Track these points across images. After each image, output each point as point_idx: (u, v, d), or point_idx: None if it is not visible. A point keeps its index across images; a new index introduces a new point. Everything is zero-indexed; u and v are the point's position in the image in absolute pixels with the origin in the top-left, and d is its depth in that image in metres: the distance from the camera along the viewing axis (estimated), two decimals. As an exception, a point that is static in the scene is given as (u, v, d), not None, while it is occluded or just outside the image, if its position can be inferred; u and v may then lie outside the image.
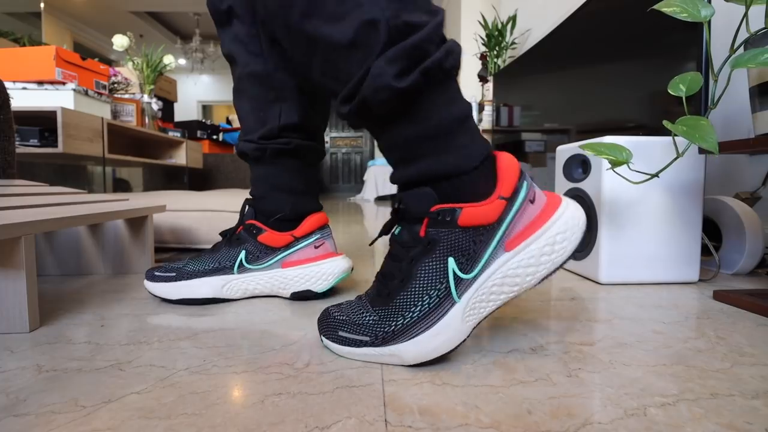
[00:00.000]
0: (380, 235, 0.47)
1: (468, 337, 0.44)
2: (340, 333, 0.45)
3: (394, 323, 0.43)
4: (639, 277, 0.80)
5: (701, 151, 0.74)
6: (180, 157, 2.31)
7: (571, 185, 0.90)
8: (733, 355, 0.47)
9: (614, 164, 0.69)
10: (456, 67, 0.43)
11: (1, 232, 0.48)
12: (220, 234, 0.70)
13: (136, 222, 0.87)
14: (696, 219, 0.80)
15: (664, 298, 0.71)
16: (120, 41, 2.16)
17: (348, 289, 0.74)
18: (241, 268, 0.66)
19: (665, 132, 0.65)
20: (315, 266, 0.67)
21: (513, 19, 2.70)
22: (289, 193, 0.69)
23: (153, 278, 0.65)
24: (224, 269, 0.66)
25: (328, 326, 0.46)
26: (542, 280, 0.44)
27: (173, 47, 5.81)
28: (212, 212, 1.18)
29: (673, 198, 0.79)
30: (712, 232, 0.95)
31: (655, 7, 0.66)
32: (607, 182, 0.78)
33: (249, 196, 0.72)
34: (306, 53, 0.45)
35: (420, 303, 0.42)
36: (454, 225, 0.42)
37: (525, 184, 0.44)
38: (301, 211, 0.69)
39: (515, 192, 0.43)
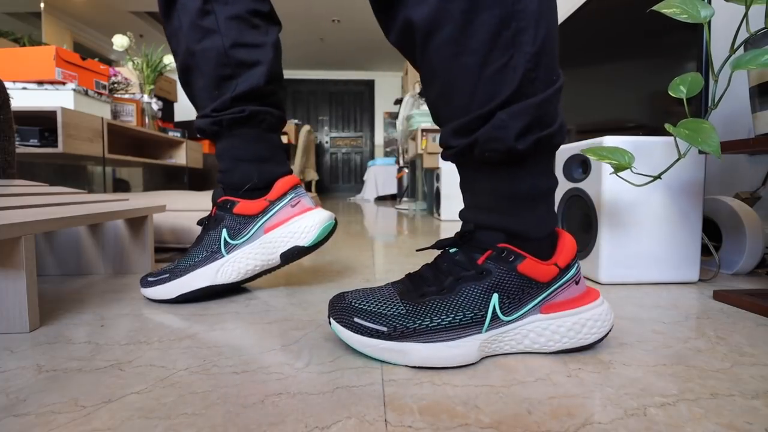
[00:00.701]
0: (432, 247, 0.48)
1: (473, 363, 0.44)
2: (356, 320, 0.45)
3: (420, 322, 0.43)
4: (639, 277, 0.80)
5: (701, 151, 0.74)
6: (180, 157, 2.31)
7: (571, 185, 0.90)
8: (733, 355, 0.47)
9: (617, 169, 0.69)
10: (560, 143, 0.45)
11: (1, 232, 0.48)
12: (198, 223, 0.71)
13: (136, 222, 0.87)
14: (696, 219, 0.80)
15: (664, 298, 0.71)
16: (120, 41, 2.16)
17: (346, 284, 0.74)
18: (228, 246, 0.66)
19: (665, 132, 0.65)
20: (296, 221, 0.68)
21: (513, 19, 2.70)
22: (253, 162, 0.69)
23: (148, 284, 0.66)
24: (213, 254, 0.66)
25: (343, 311, 0.46)
26: (556, 352, 0.46)
27: (173, 47, 5.81)
28: (212, 212, 1.18)
29: (673, 198, 0.79)
30: (712, 232, 0.95)
31: (655, 8, 0.66)
32: (607, 182, 0.78)
33: (217, 173, 0.72)
34: (427, 73, 0.46)
35: (453, 315, 0.43)
36: (514, 268, 0.44)
37: (577, 265, 0.47)
38: (270, 178, 0.69)
39: (568, 267, 0.46)
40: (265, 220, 0.67)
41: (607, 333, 0.48)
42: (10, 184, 0.79)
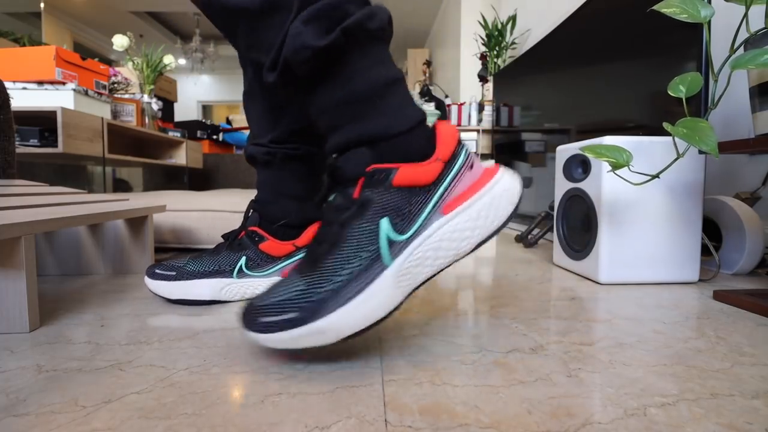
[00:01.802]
0: (318, 202, 0.45)
1: (402, 302, 0.42)
2: (262, 319, 0.40)
3: (321, 289, 0.40)
4: (639, 277, 0.80)
5: (701, 151, 0.74)
6: (180, 157, 2.31)
7: (571, 185, 0.90)
8: (733, 355, 0.47)
9: (615, 167, 0.69)
10: (383, 29, 0.43)
11: (1, 232, 0.48)
12: (222, 237, 0.70)
13: (136, 222, 0.87)
14: (696, 219, 0.80)
15: (664, 298, 0.71)
16: (120, 41, 2.16)
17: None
18: (241, 273, 0.66)
19: (665, 132, 0.65)
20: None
21: (513, 19, 2.70)
22: (295, 200, 0.68)
23: (153, 275, 0.65)
24: (223, 272, 0.66)
25: (248, 316, 0.42)
26: (477, 246, 0.44)
27: (173, 47, 5.81)
28: (212, 212, 1.18)
29: (673, 198, 0.79)
30: (712, 232, 0.95)
31: (655, 7, 0.66)
32: (607, 182, 0.78)
33: (254, 199, 0.71)
34: (230, 28, 0.44)
35: (349, 266, 0.40)
36: (390, 185, 0.41)
37: (464, 150, 0.44)
38: (306, 218, 0.68)
39: (454, 156, 0.43)
40: (287, 264, 0.66)
41: (519, 200, 0.45)
42: (10, 184, 0.79)
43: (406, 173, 0.41)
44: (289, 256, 0.67)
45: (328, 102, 0.43)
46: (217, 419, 0.33)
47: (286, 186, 0.68)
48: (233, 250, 0.67)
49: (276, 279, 0.66)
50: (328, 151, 0.46)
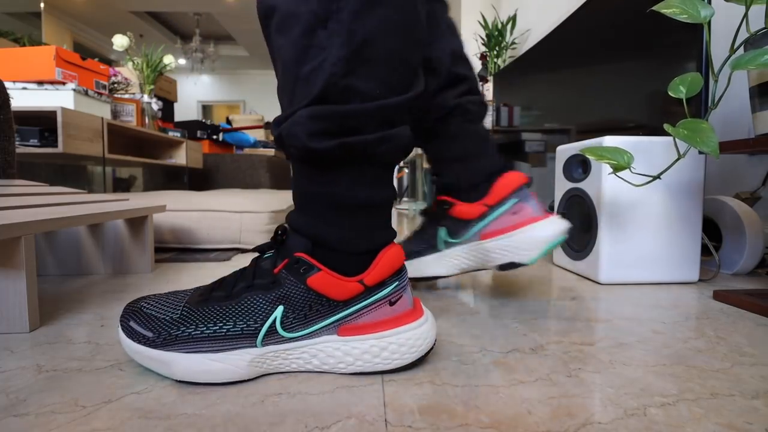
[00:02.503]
0: (253, 250, 0.44)
1: (249, 380, 0.40)
2: (131, 323, 0.41)
3: (185, 329, 0.40)
4: (639, 277, 0.80)
5: (701, 151, 0.74)
6: (180, 157, 2.31)
7: (571, 185, 0.90)
8: (733, 355, 0.47)
9: (616, 169, 0.69)
10: (390, 154, 0.41)
11: (1, 232, 0.48)
12: (420, 213, 0.71)
13: (136, 222, 0.87)
14: (696, 219, 0.80)
15: (664, 298, 0.71)
16: (120, 41, 2.16)
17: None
18: (447, 244, 0.65)
19: (665, 131, 0.65)
20: (517, 234, 0.60)
21: (513, 19, 2.70)
22: (464, 159, 0.64)
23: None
24: (432, 247, 0.66)
25: (127, 311, 0.43)
26: (348, 374, 0.42)
27: (173, 47, 5.81)
28: (212, 212, 1.18)
29: (673, 198, 0.79)
30: (712, 232, 0.95)
31: (655, 8, 0.66)
32: (607, 182, 0.78)
33: (431, 171, 0.70)
34: (274, 60, 0.43)
35: (222, 324, 0.39)
36: (303, 280, 0.40)
37: (394, 284, 0.42)
38: (486, 173, 0.63)
39: (379, 285, 0.41)
40: (483, 227, 0.63)
41: (417, 359, 0.42)
42: (10, 184, 0.79)
43: (323, 280, 0.40)
44: (482, 216, 0.62)
45: (303, 188, 0.43)
46: (217, 419, 0.33)
47: (448, 150, 0.66)
48: (431, 225, 0.67)
49: (477, 244, 0.64)
50: (287, 219, 0.44)
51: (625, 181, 0.74)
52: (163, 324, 0.40)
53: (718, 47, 1.00)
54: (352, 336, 0.41)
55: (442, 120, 0.64)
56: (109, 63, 2.38)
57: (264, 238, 1.19)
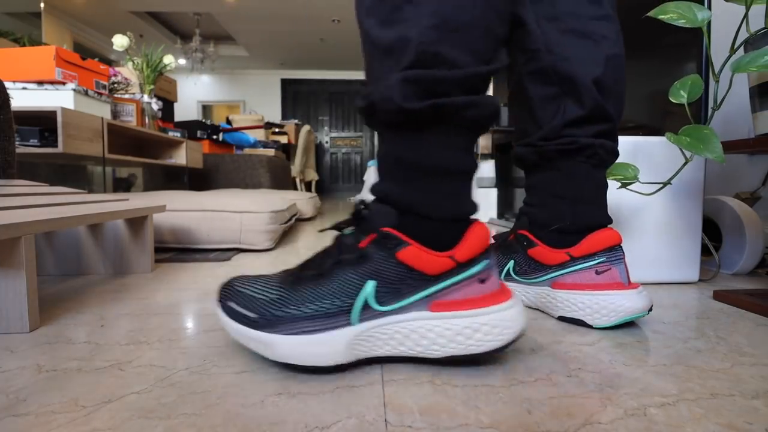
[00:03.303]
0: (331, 228, 0.45)
1: (348, 363, 0.41)
2: (230, 303, 0.43)
3: (285, 309, 0.41)
4: (639, 277, 0.80)
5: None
6: (180, 157, 2.31)
7: (571, 185, 0.90)
8: (733, 355, 0.47)
9: (624, 184, 0.69)
10: (478, 122, 0.42)
11: (1, 232, 0.48)
12: (493, 237, 0.65)
13: (136, 222, 0.87)
14: (696, 219, 0.80)
15: (664, 298, 0.71)
16: (120, 41, 2.16)
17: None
18: (508, 277, 0.63)
19: (666, 131, 0.65)
20: (591, 296, 0.55)
21: (513, 19, 2.70)
22: (570, 202, 0.59)
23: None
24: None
25: (224, 293, 0.44)
26: (446, 357, 0.41)
27: (173, 47, 5.81)
28: (212, 212, 1.18)
29: (674, 198, 0.79)
30: (712, 232, 0.95)
31: (651, 14, 0.66)
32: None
33: (524, 201, 0.65)
34: (363, 48, 0.45)
35: (320, 303, 0.40)
36: (392, 254, 0.40)
37: (485, 262, 0.42)
38: (585, 223, 0.58)
39: (470, 262, 0.41)
40: (558, 275, 0.58)
41: (508, 343, 0.42)
42: (10, 184, 0.79)
43: (413, 254, 0.40)
44: (561, 266, 0.58)
45: (393, 154, 0.43)
46: (217, 419, 0.33)
47: (558, 186, 0.60)
48: (503, 253, 0.64)
49: (546, 291, 0.60)
50: (372, 192, 0.45)
51: (636, 192, 0.73)
52: (264, 304, 0.41)
53: (719, 45, 1.00)
54: (443, 312, 0.41)
55: (565, 154, 0.58)
56: (109, 63, 2.38)
57: (264, 238, 1.19)
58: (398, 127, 0.42)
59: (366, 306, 0.40)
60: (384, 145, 0.45)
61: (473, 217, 0.45)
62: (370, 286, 0.40)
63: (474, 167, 0.44)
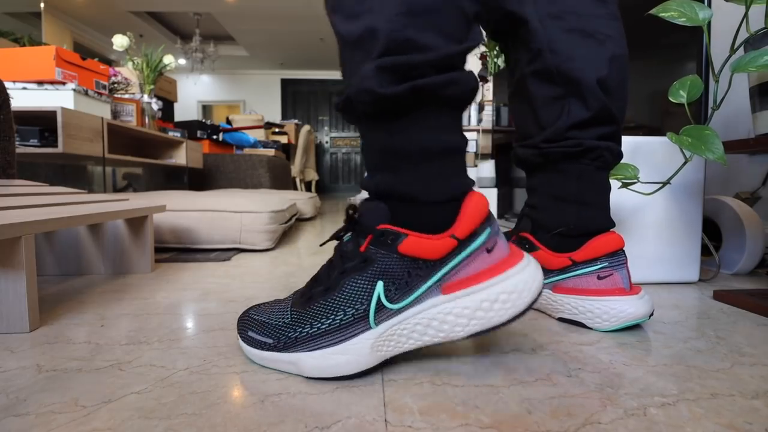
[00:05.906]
0: (331, 239, 0.45)
1: (376, 365, 0.41)
2: (249, 333, 0.44)
3: (300, 330, 0.41)
4: (639, 277, 0.80)
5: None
6: (180, 157, 2.31)
7: (571, 185, 0.90)
8: (733, 355, 0.47)
9: (625, 184, 0.69)
10: (459, 98, 0.42)
11: (1, 232, 0.48)
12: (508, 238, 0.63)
13: (136, 222, 0.87)
14: (696, 219, 0.80)
15: (664, 298, 0.71)
16: (120, 41, 2.16)
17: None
18: None
19: (666, 131, 0.65)
20: (592, 301, 0.55)
21: (513, 19, 2.70)
22: (573, 204, 0.58)
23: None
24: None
25: (242, 324, 0.45)
26: (471, 335, 0.41)
27: (173, 47, 5.81)
28: (212, 212, 1.18)
29: (674, 198, 0.79)
30: (712, 232, 0.95)
31: (653, 12, 0.66)
32: (607, 182, 0.78)
33: (526, 203, 0.63)
34: (337, 45, 0.45)
35: (333, 316, 0.40)
36: (395, 249, 0.40)
37: (487, 231, 0.41)
38: (588, 227, 0.57)
39: (471, 236, 0.41)
40: (559, 279, 0.59)
41: (530, 304, 0.40)
42: (10, 184, 0.79)
43: (413, 243, 0.40)
44: (563, 270, 0.58)
45: (377, 145, 0.43)
46: (217, 419, 0.33)
47: (562, 189, 0.59)
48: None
49: (546, 291, 0.60)
50: (362, 187, 0.45)
51: (637, 192, 0.73)
52: (279, 329, 0.42)
53: (719, 45, 1.00)
54: (457, 292, 0.40)
55: (569, 156, 0.57)
56: (109, 63, 2.38)
57: (264, 238, 1.19)
58: (378, 117, 0.41)
59: (380, 307, 0.40)
60: (366, 138, 0.44)
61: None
62: (379, 287, 0.40)
63: (463, 143, 0.43)
